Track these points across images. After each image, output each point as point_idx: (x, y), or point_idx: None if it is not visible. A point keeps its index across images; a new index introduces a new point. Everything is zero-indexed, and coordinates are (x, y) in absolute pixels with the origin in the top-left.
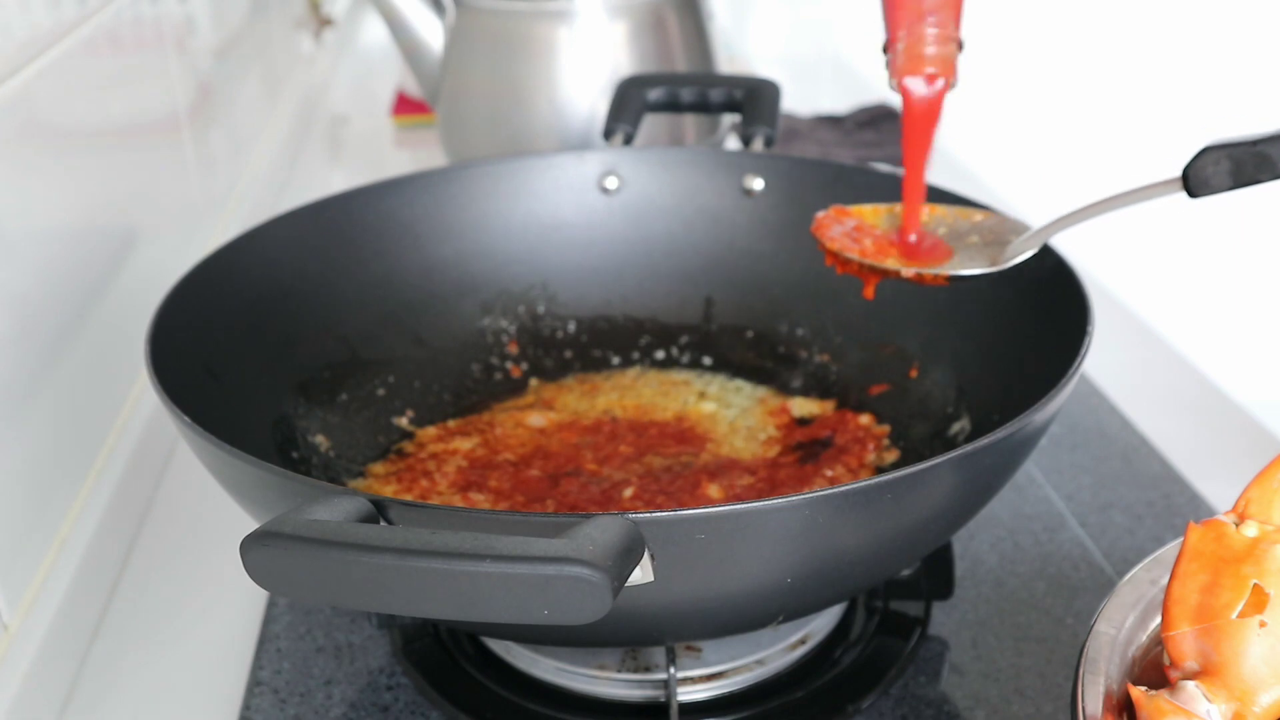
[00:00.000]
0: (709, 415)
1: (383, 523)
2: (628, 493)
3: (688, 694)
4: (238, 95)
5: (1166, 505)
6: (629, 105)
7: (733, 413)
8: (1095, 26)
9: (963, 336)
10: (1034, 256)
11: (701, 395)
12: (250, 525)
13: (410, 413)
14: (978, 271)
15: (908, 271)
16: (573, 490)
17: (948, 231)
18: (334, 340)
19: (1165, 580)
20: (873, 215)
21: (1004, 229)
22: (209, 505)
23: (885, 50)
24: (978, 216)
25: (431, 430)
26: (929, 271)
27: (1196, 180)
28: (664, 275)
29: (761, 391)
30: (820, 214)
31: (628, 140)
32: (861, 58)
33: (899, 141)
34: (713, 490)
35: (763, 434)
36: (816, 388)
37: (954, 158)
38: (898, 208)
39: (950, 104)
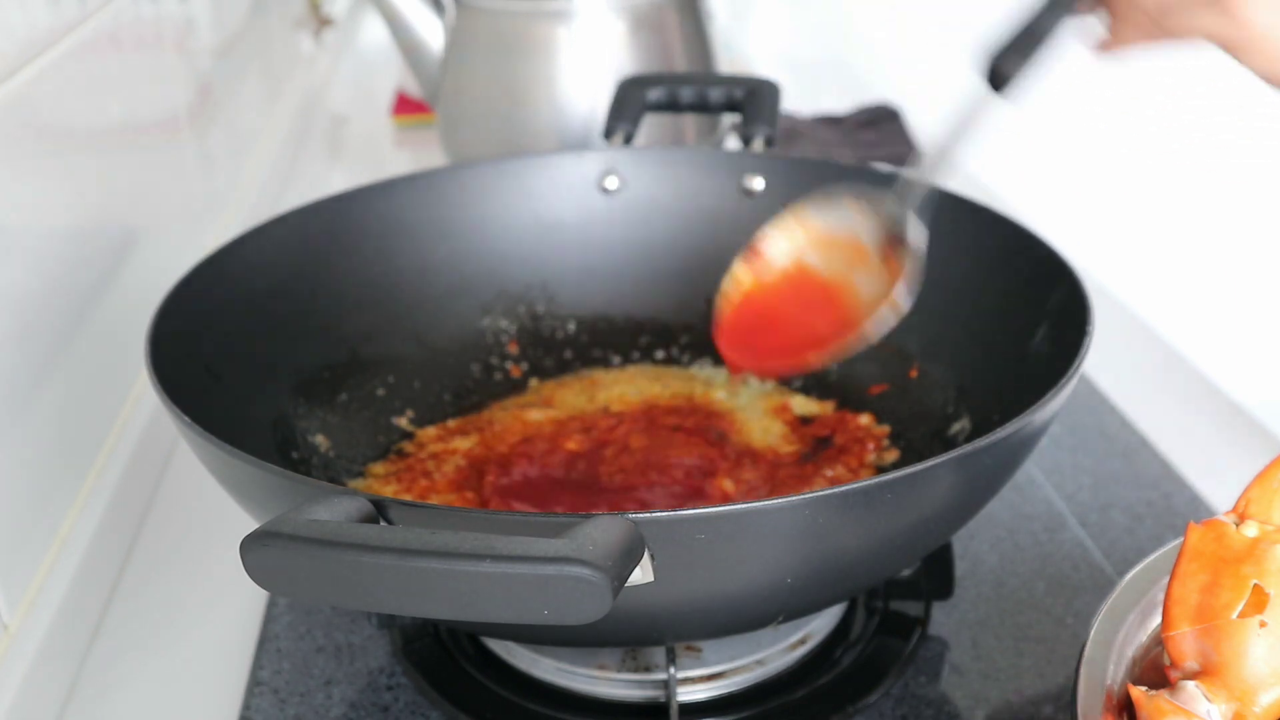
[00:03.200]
0: (716, 401)
1: (383, 523)
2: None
3: (688, 694)
4: (238, 95)
5: (1166, 505)
6: (629, 105)
7: (739, 400)
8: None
9: (963, 336)
10: (1035, 255)
11: (701, 386)
12: (250, 525)
13: (410, 413)
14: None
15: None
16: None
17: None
18: (334, 340)
19: (1165, 580)
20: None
21: (834, 216)
22: (209, 505)
23: None
24: (799, 223)
25: (431, 430)
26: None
27: (1000, 79)
28: (664, 275)
29: (767, 386)
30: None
31: (628, 140)
32: (861, 58)
33: (899, 141)
34: (726, 484)
35: (771, 427)
36: (817, 388)
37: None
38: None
39: (949, 99)
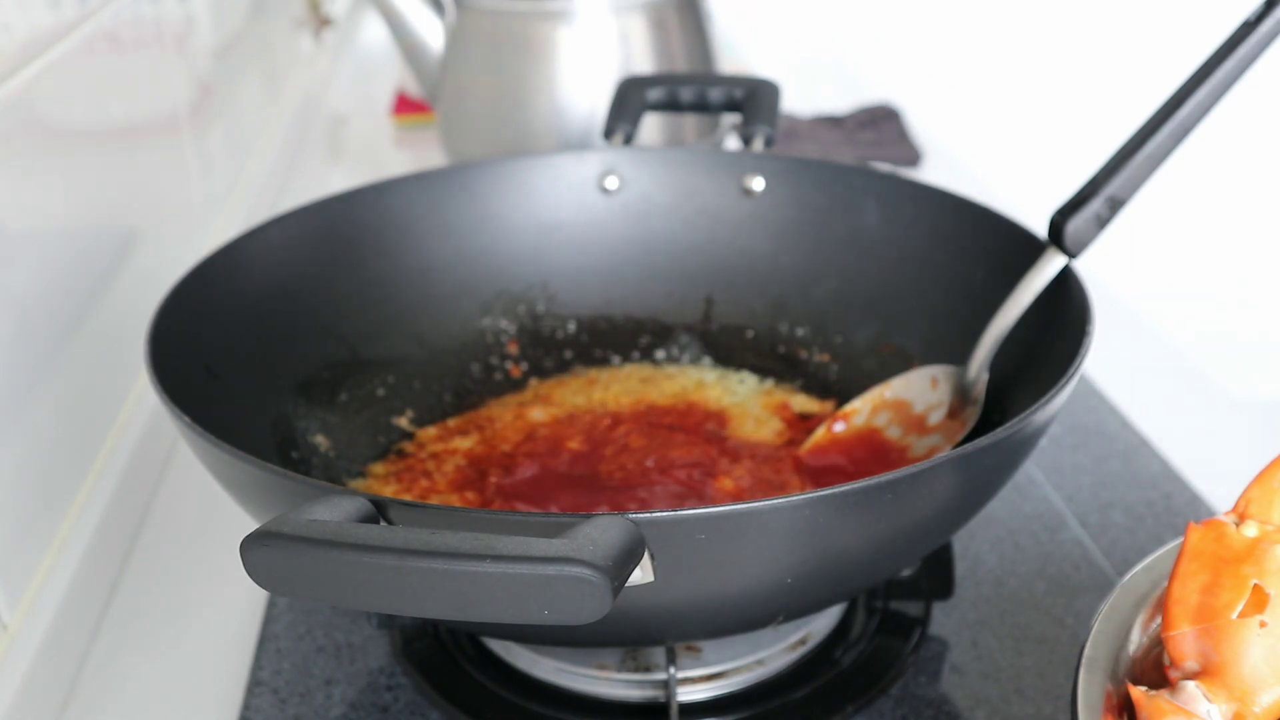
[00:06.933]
0: (716, 398)
1: (383, 523)
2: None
3: (688, 694)
4: (238, 95)
5: (1166, 505)
6: (629, 105)
7: (738, 397)
8: (1094, 21)
9: (963, 337)
10: (1035, 255)
11: (700, 384)
12: (250, 525)
13: (410, 413)
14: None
15: None
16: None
17: (888, 424)
18: (334, 340)
19: (1165, 580)
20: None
21: (915, 388)
22: (209, 505)
23: None
24: (886, 393)
25: (431, 430)
26: None
27: (1075, 244)
28: (664, 275)
29: (768, 384)
30: None
31: (628, 140)
32: (861, 58)
33: (899, 141)
34: (727, 483)
35: (770, 425)
36: (817, 387)
37: (951, 155)
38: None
39: (949, 99)
